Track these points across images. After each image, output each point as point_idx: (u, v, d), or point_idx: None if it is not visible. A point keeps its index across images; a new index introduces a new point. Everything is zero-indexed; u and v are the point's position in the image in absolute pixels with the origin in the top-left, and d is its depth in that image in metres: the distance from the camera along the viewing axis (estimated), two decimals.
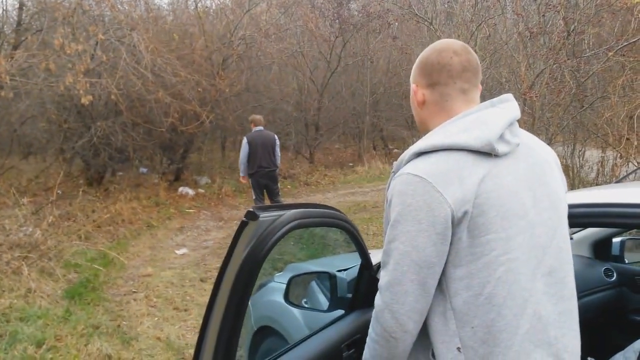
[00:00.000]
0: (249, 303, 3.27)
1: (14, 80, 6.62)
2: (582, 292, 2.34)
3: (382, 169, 13.35)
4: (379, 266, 2.05)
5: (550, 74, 5.87)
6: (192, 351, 3.75)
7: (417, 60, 1.29)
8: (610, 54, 5.44)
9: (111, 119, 8.34)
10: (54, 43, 6.74)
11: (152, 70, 7.86)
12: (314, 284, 2.43)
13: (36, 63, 6.91)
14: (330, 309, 1.93)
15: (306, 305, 2.34)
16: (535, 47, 6.33)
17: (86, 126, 8.50)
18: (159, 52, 8.17)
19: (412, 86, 1.30)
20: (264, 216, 1.28)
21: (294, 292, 2.06)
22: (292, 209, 1.39)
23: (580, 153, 7.08)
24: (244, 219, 1.25)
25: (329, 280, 1.98)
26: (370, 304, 1.22)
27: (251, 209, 1.26)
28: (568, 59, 5.75)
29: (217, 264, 5.84)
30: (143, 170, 10.39)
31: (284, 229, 1.32)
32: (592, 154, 7.20)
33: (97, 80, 7.33)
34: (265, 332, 2.70)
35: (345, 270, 2.44)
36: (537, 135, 6.70)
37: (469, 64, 1.22)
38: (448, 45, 1.24)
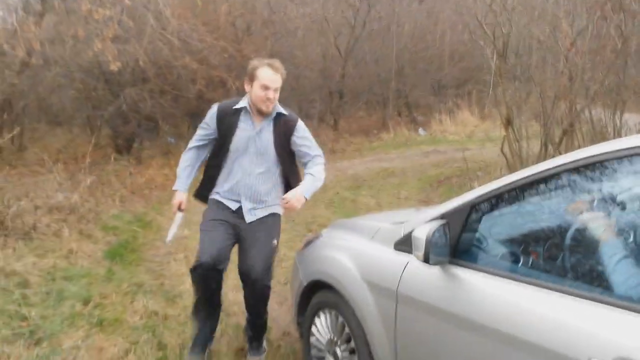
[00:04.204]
0: (296, 260, 3.24)
1: (43, 46, 6.58)
2: None
3: (407, 135, 13.15)
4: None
5: (593, 30, 5.61)
6: (234, 308, 3.77)
7: None
8: None
9: (139, 86, 8.31)
10: (80, 10, 6.66)
11: (178, 36, 7.76)
12: None
13: (64, 30, 6.87)
14: None
15: None
16: (578, 0, 6.04)
17: (114, 94, 8.48)
18: (184, 17, 8.05)
19: None
20: None
21: None
22: None
23: (621, 115, 6.82)
24: None
25: None
26: None
27: None
28: (614, 13, 5.46)
29: None
30: (171, 140, 10.40)
31: None
32: (631, 117, 6.91)
33: (124, 47, 7.26)
34: (314, 287, 2.69)
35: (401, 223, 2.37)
36: (576, 96, 6.38)
37: None
38: None
